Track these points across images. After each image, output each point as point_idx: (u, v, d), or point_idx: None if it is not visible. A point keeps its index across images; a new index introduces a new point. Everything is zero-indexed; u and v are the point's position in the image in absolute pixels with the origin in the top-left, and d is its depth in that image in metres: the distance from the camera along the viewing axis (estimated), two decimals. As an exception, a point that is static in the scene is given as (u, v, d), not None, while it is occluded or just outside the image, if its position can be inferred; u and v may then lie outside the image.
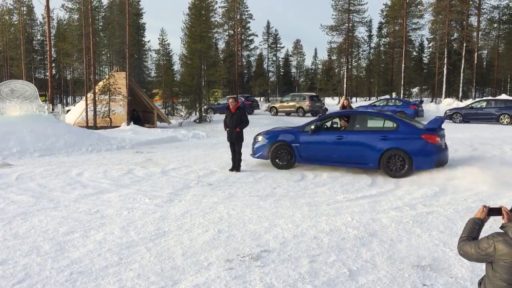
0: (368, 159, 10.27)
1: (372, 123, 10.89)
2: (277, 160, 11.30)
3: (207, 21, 36.61)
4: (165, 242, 5.79)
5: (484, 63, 59.49)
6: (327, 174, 10.42)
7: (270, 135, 11.63)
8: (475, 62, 46.19)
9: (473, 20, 48.31)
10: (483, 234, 2.96)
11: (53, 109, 20.51)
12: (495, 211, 2.99)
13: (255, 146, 11.67)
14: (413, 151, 9.87)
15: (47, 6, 26.79)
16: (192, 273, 4.80)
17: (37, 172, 10.96)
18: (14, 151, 13.80)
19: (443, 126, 10.70)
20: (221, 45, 61.45)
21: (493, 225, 5.25)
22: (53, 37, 52.68)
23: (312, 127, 10.94)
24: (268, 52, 71.39)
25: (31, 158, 13.41)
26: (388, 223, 6.56)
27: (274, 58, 72.72)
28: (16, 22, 53.80)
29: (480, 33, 49.46)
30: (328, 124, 11.65)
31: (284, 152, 11.24)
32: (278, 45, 72.33)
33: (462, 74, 44.56)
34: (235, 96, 20.94)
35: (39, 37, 62.44)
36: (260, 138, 11.70)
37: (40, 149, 14.24)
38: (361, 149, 10.34)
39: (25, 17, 54.76)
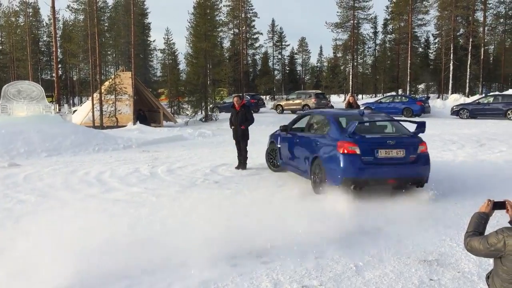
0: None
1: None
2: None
3: (212, 20, 36.61)
4: (171, 239, 5.80)
5: (491, 58, 59.08)
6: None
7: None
8: (482, 57, 45.91)
9: (479, 15, 48.02)
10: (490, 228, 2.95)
11: (59, 110, 20.61)
12: (499, 205, 2.97)
13: None
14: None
15: (53, 7, 26.93)
16: (199, 269, 4.81)
17: (44, 172, 11.02)
18: (21, 151, 13.90)
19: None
20: (226, 43, 61.33)
21: (500, 219, 5.24)
22: (59, 38, 52.85)
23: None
24: (273, 50, 71.25)
25: (38, 158, 13.49)
26: (395, 218, 6.55)
27: (280, 56, 72.55)
28: (22, 24, 54.04)
29: (486, 28, 49.14)
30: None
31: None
32: (283, 43, 72.12)
33: (468, 70, 44.31)
34: (240, 95, 20.97)
35: (45, 38, 62.73)
36: None
37: (47, 149, 14.32)
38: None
39: (31, 18, 55.04)
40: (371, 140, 7.85)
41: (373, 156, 7.61)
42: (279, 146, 10.18)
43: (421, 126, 8.16)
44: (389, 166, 7.75)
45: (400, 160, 7.74)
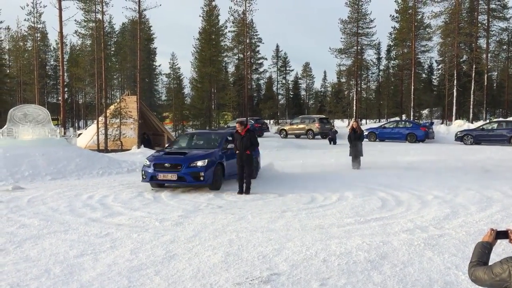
0: None
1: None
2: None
3: (217, 45, 37.16)
4: (174, 265, 5.78)
5: (494, 85, 59.40)
6: (337, 197, 10.37)
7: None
8: (485, 83, 46.05)
9: (482, 42, 48.46)
10: (496, 257, 2.93)
11: (65, 133, 20.73)
12: (502, 234, 2.95)
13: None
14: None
15: (61, 32, 27.35)
16: (202, 296, 4.77)
17: (48, 195, 11.04)
18: (26, 174, 13.94)
19: None
20: (231, 68, 62.07)
21: (506, 248, 5.19)
22: (66, 62, 53.59)
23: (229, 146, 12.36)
24: (277, 75, 71.98)
25: (42, 182, 13.53)
26: (399, 246, 6.50)
27: (284, 81, 73.25)
28: (30, 48, 54.87)
29: (489, 54, 49.47)
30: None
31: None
32: (287, 68, 72.90)
33: (472, 96, 44.42)
34: (242, 120, 21.11)
35: (52, 62, 63.66)
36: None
37: (52, 173, 14.37)
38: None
39: (39, 43, 55.83)
40: None
41: None
42: (225, 163, 12.05)
43: None
44: None
45: None
